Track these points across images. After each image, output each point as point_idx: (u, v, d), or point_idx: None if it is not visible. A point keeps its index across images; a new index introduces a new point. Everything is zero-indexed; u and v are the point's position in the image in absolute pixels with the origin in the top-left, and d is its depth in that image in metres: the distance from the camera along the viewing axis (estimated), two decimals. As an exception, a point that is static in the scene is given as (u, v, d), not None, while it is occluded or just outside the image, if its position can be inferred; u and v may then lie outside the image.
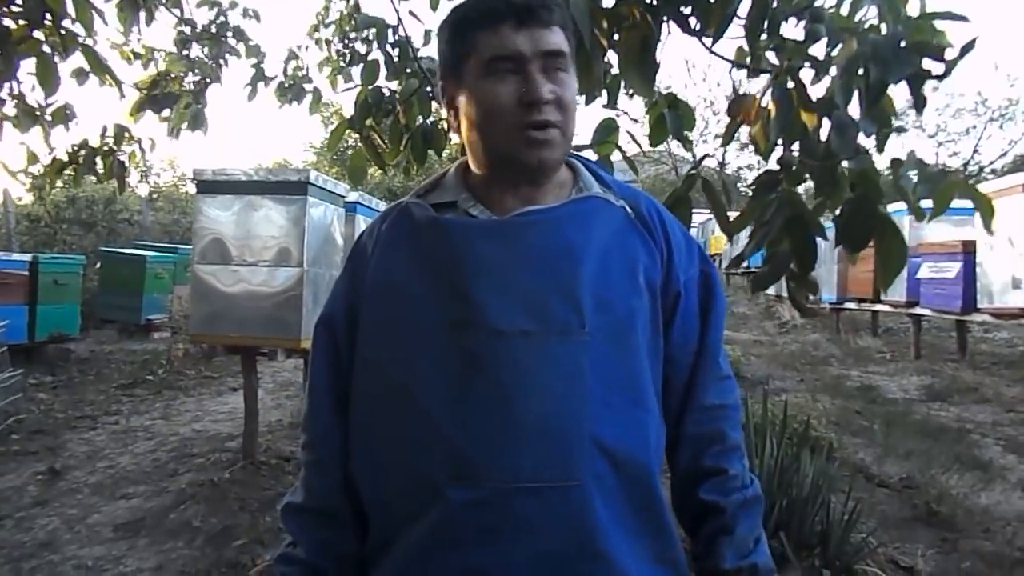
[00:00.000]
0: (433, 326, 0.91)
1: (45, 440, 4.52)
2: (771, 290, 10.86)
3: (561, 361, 0.88)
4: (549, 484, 0.85)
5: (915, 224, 6.84)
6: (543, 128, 0.90)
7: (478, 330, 0.88)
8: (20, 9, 2.09)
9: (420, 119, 2.37)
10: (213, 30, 3.68)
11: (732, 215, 1.49)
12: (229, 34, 3.74)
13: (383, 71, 2.68)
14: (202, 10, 3.70)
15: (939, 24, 1.15)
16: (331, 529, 0.97)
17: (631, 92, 1.66)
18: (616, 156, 1.67)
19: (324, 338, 1.01)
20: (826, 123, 1.28)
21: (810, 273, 1.33)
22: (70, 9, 2.09)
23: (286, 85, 3.69)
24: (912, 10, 1.20)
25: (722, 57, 1.50)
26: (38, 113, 2.68)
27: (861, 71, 1.16)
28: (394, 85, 2.59)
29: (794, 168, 1.33)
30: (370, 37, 2.84)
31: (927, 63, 1.14)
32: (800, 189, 1.36)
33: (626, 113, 1.83)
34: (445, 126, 2.29)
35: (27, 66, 2.17)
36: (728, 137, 1.54)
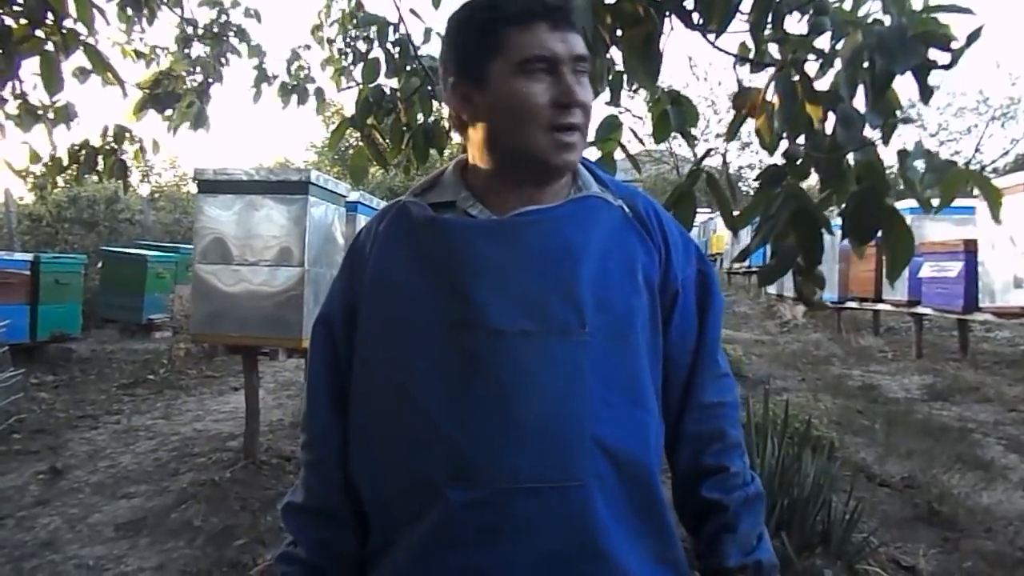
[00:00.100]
0: (432, 326, 0.90)
1: (46, 439, 4.53)
2: (772, 289, 10.86)
3: (561, 361, 0.88)
4: (549, 484, 0.85)
5: (917, 223, 6.84)
6: (572, 131, 0.91)
7: (478, 330, 0.88)
8: (21, 8, 2.09)
9: (421, 118, 2.37)
10: (215, 29, 3.68)
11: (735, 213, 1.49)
12: (231, 33, 3.75)
13: (384, 69, 2.68)
14: (203, 9, 3.70)
15: (943, 17, 1.15)
16: (331, 529, 0.97)
17: (634, 89, 1.66)
18: (618, 155, 1.67)
19: (322, 337, 1.01)
20: (831, 116, 1.28)
21: (817, 267, 1.33)
22: (71, 9, 2.09)
23: (289, 86, 3.69)
24: (916, 3, 1.20)
25: (725, 51, 1.49)
26: (40, 112, 2.68)
27: (866, 63, 1.15)
28: (395, 83, 2.58)
29: (799, 161, 1.32)
30: (371, 36, 2.84)
31: (933, 53, 1.14)
32: (805, 185, 1.36)
33: (628, 110, 1.82)
34: (447, 124, 2.29)
35: (28, 65, 2.18)
36: (733, 131, 1.53)
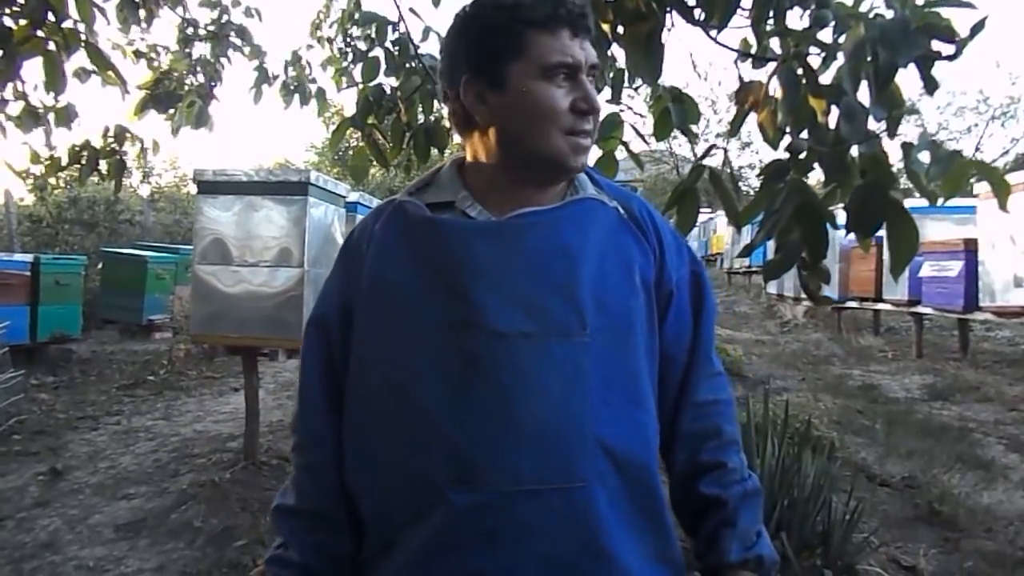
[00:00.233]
0: (431, 326, 0.90)
1: (46, 440, 4.52)
2: (772, 289, 10.86)
3: (562, 363, 0.88)
4: (551, 486, 0.86)
5: (917, 222, 6.81)
6: (587, 136, 0.94)
7: (478, 331, 0.88)
8: (21, 8, 2.09)
9: (422, 117, 2.36)
10: (214, 29, 3.68)
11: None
12: (232, 33, 3.74)
13: (383, 68, 2.68)
14: (204, 9, 3.70)
15: (945, 13, 1.14)
16: (325, 531, 0.96)
17: (637, 86, 1.65)
18: (619, 154, 1.66)
19: (316, 337, 1.00)
20: (834, 110, 1.27)
21: (822, 261, 1.32)
22: (72, 11, 2.09)
23: (291, 87, 3.68)
24: None
25: (727, 47, 1.49)
26: (41, 112, 2.68)
27: (869, 57, 1.15)
28: (395, 82, 2.58)
29: (803, 156, 1.32)
30: (371, 35, 2.84)
31: (937, 45, 1.13)
32: (810, 181, 1.35)
33: (630, 108, 1.82)
34: (448, 123, 2.28)
35: (28, 66, 2.17)
36: (736, 126, 1.53)
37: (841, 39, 1.26)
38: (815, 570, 2.34)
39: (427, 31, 2.62)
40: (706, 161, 1.44)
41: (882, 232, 1.24)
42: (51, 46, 2.11)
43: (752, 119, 1.46)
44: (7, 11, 2.06)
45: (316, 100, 3.67)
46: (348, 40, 3.35)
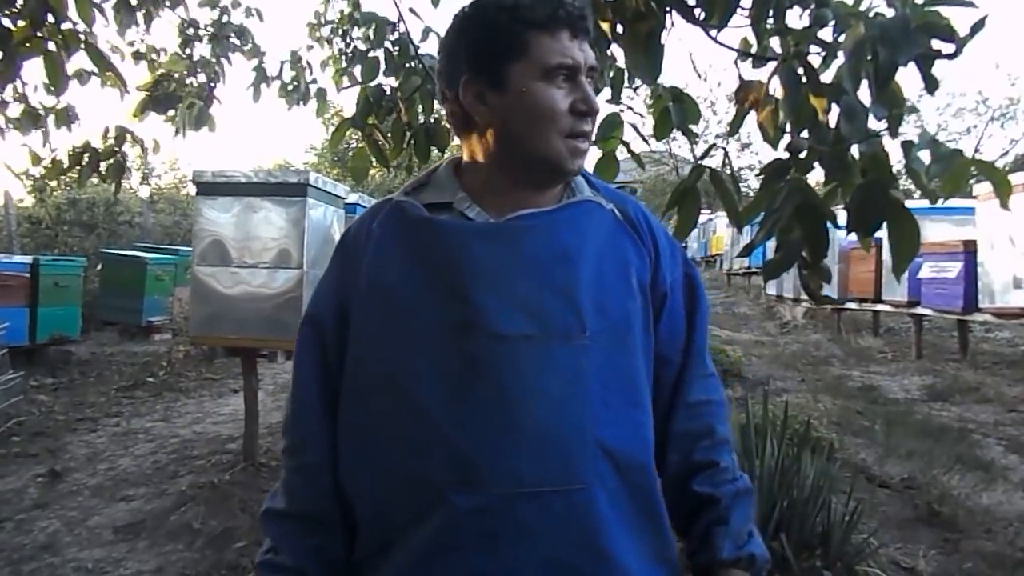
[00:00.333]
0: (430, 326, 0.90)
1: (46, 442, 4.52)
2: (772, 290, 10.86)
3: (561, 365, 0.89)
4: (551, 488, 0.86)
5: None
6: (585, 138, 0.94)
7: (479, 333, 0.88)
8: (20, 9, 2.09)
9: (422, 117, 2.36)
10: (213, 30, 3.68)
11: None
12: (232, 33, 3.74)
13: (383, 68, 2.68)
14: (204, 10, 3.70)
15: (944, 12, 1.14)
16: (320, 535, 0.95)
17: (636, 86, 1.65)
18: (620, 154, 1.66)
19: (311, 338, 0.99)
20: (835, 109, 1.27)
21: (822, 260, 1.32)
22: (72, 12, 2.09)
23: (290, 87, 3.68)
24: None
25: (727, 46, 1.49)
26: (42, 113, 2.68)
27: (870, 56, 1.15)
28: (395, 83, 2.58)
29: (803, 155, 1.32)
30: (371, 35, 2.84)
31: (937, 44, 1.13)
32: (812, 181, 1.35)
33: (630, 108, 1.82)
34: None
35: (28, 67, 2.17)
36: (736, 125, 1.52)
37: (841, 38, 1.26)
38: (814, 571, 2.33)
39: (427, 31, 2.62)
40: (705, 161, 1.44)
41: (882, 233, 1.24)
42: (51, 47, 2.11)
43: (751, 119, 1.46)
44: (6, 12, 2.05)
45: (316, 100, 3.67)
46: (348, 41, 3.35)
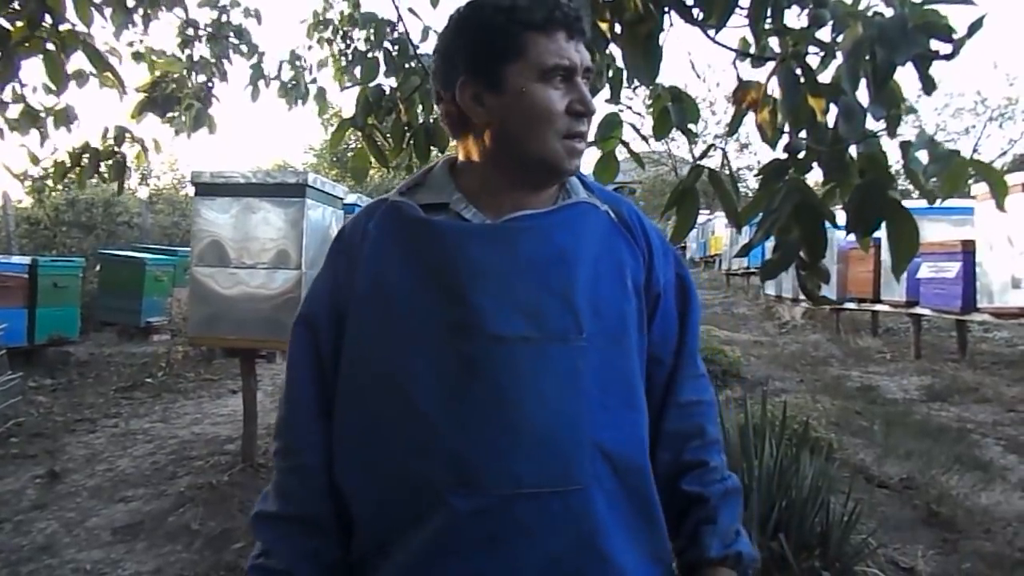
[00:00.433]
0: (428, 327, 0.90)
1: (44, 443, 4.51)
2: (771, 290, 10.86)
3: (559, 366, 0.89)
4: (550, 490, 0.86)
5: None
6: (582, 139, 0.95)
7: (477, 335, 0.88)
8: (19, 10, 2.08)
9: (422, 117, 2.36)
10: (211, 31, 3.67)
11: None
12: (231, 34, 3.74)
13: (383, 68, 2.68)
14: (203, 10, 3.70)
15: (943, 11, 1.15)
16: (315, 537, 0.94)
17: (635, 86, 1.65)
18: (620, 154, 1.66)
19: (305, 338, 0.99)
20: (833, 109, 1.27)
21: (821, 260, 1.32)
22: (70, 14, 2.09)
23: (289, 86, 3.68)
24: None
25: (725, 46, 1.49)
26: (41, 114, 2.68)
27: (868, 56, 1.15)
28: (394, 83, 2.58)
29: (801, 155, 1.32)
30: (371, 36, 2.84)
31: (935, 44, 1.14)
32: (811, 182, 1.35)
33: (630, 108, 1.82)
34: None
35: (27, 67, 2.17)
36: (735, 125, 1.52)
37: (839, 38, 1.27)
38: (813, 571, 2.33)
39: (426, 31, 2.62)
40: (704, 162, 1.44)
41: (880, 233, 1.24)
42: (50, 47, 2.10)
43: (750, 119, 1.45)
44: (5, 12, 2.05)
45: (316, 100, 3.67)
46: (348, 41, 3.35)
